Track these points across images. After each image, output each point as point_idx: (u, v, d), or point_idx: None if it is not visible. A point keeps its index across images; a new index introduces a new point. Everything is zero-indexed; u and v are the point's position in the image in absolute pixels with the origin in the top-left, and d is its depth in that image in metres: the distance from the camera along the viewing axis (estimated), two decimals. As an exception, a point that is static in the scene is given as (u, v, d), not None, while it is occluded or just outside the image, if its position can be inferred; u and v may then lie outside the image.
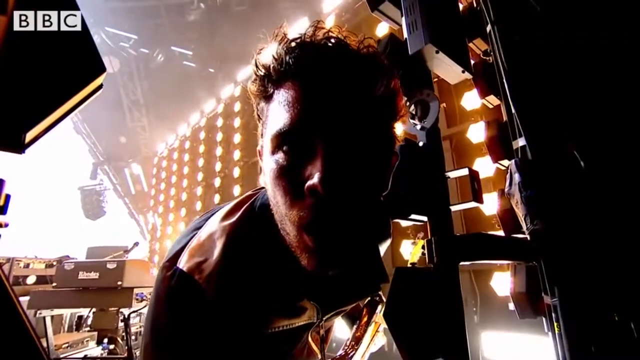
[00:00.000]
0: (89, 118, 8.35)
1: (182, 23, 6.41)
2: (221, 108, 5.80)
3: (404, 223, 0.64)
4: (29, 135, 0.28)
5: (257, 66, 0.49)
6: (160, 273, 0.52)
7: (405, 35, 0.65)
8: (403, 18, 0.67)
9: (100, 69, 0.31)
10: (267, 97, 0.49)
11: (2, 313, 0.22)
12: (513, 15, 0.87)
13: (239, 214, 0.56)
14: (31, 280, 4.09)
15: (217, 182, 5.48)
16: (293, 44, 0.46)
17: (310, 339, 0.63)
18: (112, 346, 3.51)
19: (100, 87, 0.33)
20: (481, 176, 2.25)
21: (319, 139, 0.42)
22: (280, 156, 0.45)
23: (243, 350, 0.53)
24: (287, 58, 0.45)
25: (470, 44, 1.12)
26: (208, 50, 6.62)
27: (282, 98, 0.46)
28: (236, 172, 5.06)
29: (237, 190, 4.92)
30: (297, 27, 4.23)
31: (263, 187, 0.58)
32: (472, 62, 1.14)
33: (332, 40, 0.47)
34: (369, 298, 0.96)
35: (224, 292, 0.49)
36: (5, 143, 0.26)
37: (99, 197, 9.72)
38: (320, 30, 0.48)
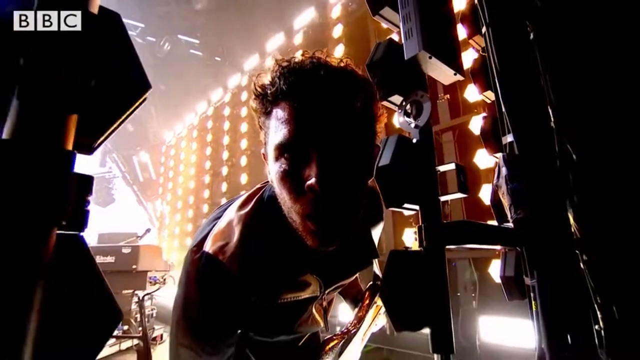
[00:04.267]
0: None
1: (189, 11, 6.41)
2: (228, 97, 5.86)
3: (406, 212, 0.72)
4: (98, 141, 0.36)
5: (255, 88, 0.59)
6: (189, 256, 0.62)
7: (402, 41, 0.71)
8: (400, 24, 0.73)
9: (148, 85, 0.38)
10: (267, 113, 0.59)
11: (90, 274, 0.30)
12: (508, 18, 0.92)
13: (251, 204, 0.66)
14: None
15: (225, 170, 5.58)
16: (284, 70, 0.56)
17: (314, 310, 0.72)
18: (126, 327, 3.67)
19: (144, 99, 0.41)
20: (482, 167, 2.30)
21: (312, 148, 0.52)
22: (282, 162, 0.55)
23: (260, 318, 0.63)
24: (281, 83, 0.55)
25: (470, 41, 1.18)
26: (214, 38, 6.64)
27: (279, 115, 0.55)
28: (243, 160, 5.15)
29: (244, 178, 5.02)
30: (303, 18, 4.24)
31: (268, 182, 0.67)
32: (473, 58, 1.19)
33: (316, 65, 0.56)
34: (371, 282, 1.04)
35: (244, 269, 0.59)
36: (84, 148, 0.34)
37: (107, 185, 9.92)
38: (306, 56, 0.58)
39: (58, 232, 0.28)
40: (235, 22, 5.71)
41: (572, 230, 1.04)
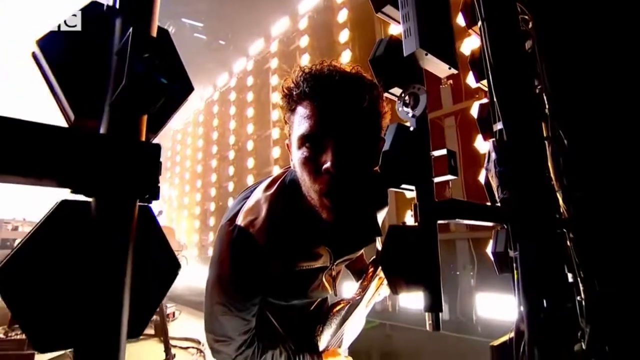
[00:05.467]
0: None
1: (193, -6, 6.36)
2: (234, 82, 5.88)
3: (408, 194, 0.82)
4: (156, 135, 0.46)
5: (282, 89, 0.70)
6: (223, 229, 0.74)
7: (402, 38, 0.79)
8: (400, 23, 0.81)
9: (192, 87, 0.48)
10: (292, 110, 0.69)
11: (159, 235, 0.40)
12: (502, 15, 0.99)
13: (275, 186, 0.77)
14: (21, 243, 3.98)
15: (232, 154, 5.67)
16: (307, 75, 0.67)
17: (324, 279, 0.84)
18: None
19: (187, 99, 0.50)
20: (483, 151, 2.37)
21: (329, 139, 0.64)
22: (304, 150, 0.66)
23: (281, 281, 0.75)
24: (304, 86, 0.66)
25: (470, 30, 1.25)
26: (218, 22, 6.61)
27: (302, 112, 0.67)
28: (250, 145, 5.23)
29: (250, 162, 5.11)
30: (308, 2, 4.22)
31: (289, 167, 0.78)
32: (472, 47, 1.26)
33: (332, 71, 0.67)
34: (374, 257, 1.16)
35: (270, 239, 0.70)
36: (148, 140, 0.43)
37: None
38: (324, 64, 0.69)
39: (139, 203, 0.38)
40: (239, 5, 5.67)
41: (561, 210, 1.14)
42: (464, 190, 2.51)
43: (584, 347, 1.05)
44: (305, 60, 4.08)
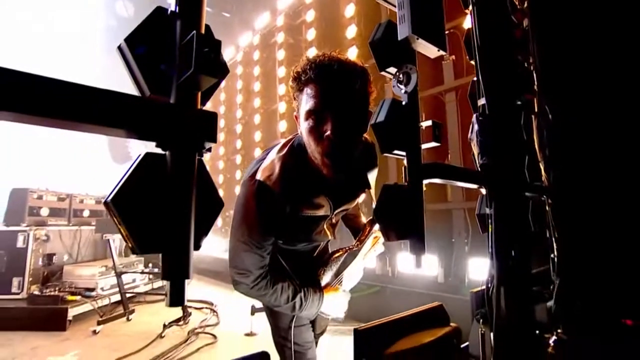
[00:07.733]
0: (109, 68, 8.54)
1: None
2: (240, 56, 5.91)
3: (405, 162, 0.97)
4: (204, 107, 0.60)
5: (293, 74, 0.89)
6: (246, 183, 0.94)
7: (397, 24, 0.92)
8: (396, 10, 0.93)
9: (228, 70, 0.62)
10: (300, 90, 0.88)
11: (208, 180, 0.56)
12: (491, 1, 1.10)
13: (286, 149, 0.95)
14: (45, 212, 3.84)
15: (239, 128, 5.79)
16: (312, 64, 0.85)
17: (325, 226, 1.02)
18: (156, 269, 4.18)
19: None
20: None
21: (329, 112, 0.82)
22: (310, 121, 0.85)
23: (292, 224, 0.94)
24: (310, 72, 0.84)
25: (466, 10, 1.35)
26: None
27: (308, 92, 0.85)
28: (257, 119, 5.34)
29: (258, 136, 5.23)
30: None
31: (297, 134, 0.94)
32: (466, 27, 1.37)
33: (332, 60, 0.86)
34: (371, 217, 1.33)
35: (283, 189, 0.89)
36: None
37: (125, 143, 10.34)
38: (326, 55, 0.87)
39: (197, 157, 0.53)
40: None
41: (542, 179, 1.29)
42: (461, 160, 2.65)
43: (554, 296, 1.23)
44: (311, 35, 4.12)
